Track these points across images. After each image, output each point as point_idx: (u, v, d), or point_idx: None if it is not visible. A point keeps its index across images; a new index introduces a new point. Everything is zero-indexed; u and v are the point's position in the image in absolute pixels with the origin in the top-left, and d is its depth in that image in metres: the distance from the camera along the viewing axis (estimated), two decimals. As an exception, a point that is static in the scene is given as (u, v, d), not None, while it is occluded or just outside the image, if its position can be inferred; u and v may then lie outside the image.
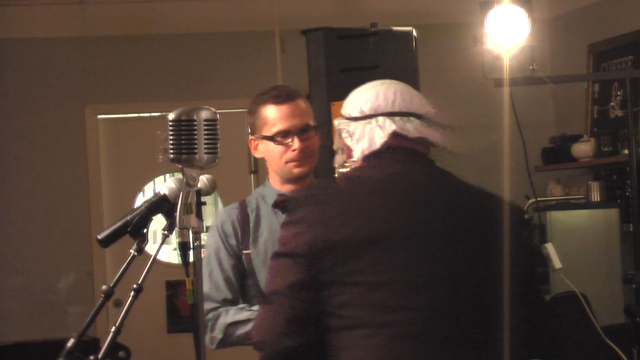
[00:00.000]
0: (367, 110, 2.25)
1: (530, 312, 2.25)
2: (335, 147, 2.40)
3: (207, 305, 2.96)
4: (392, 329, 2.07)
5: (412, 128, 2.23)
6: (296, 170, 2.98)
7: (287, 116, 2.96)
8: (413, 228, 2.12)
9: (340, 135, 2.33)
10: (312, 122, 3.01)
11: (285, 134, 2.97)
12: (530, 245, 2.32)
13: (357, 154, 2.26)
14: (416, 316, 2.08)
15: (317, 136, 3.04)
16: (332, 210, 2.14)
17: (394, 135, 2.22)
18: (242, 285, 3.03)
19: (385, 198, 2.15)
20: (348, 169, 2.31)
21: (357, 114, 2.27)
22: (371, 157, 2.23)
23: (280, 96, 2.97)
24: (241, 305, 2.99)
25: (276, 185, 3.07)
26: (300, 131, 2.97)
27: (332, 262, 2.09)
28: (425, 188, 2.18)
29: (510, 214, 2.22)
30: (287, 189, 3.01)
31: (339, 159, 2.36)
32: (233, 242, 3.05)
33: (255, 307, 2.91)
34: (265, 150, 3.03)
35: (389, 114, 2.24)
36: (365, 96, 2.28)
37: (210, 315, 2.97)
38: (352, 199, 2.16)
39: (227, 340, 2.95)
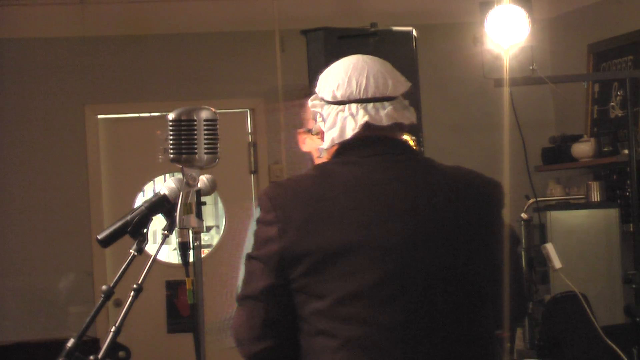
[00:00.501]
0: (339, 96, 2.22)
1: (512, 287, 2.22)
2: (313, 130, 2.39)
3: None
4: (360, 342, 2.06)
5: (384, 115, 2.19)
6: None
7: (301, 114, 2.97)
8: (385, 237, 2.09)
9: (315, 117, 2.31)
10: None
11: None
12: (508, 228, 2.26)
13: (327, 142, 2.23)
14: (386, 331, 2.06)
15: (303, 137, 3.01)
16: (302, 216, 2.11)
17: (366, 126, 2.19)
18: None
19: (355, 202, 2.11)
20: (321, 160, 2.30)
21: (329, 98, 2.23)
22: (342, 149, 2.21)
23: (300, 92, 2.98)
24: None
25: None
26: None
27: (303, 271, 2.09)
28: (397, 188, 2.14)
29: (489, 193, 2.20)
30: None
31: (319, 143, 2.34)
32: None
33: None
34: (311, 144, 3.01)
35: (362, 101, 2.20)
36: (338, 79, 2.23)
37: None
38: (324, 202, 2.12)
39: None
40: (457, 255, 2.12)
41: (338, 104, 2.22)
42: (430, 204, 2.13)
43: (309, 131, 2.96)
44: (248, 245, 2.96)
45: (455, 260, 2.12)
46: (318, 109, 2.27)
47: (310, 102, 2.31)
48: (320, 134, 2.28)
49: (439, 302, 2.09)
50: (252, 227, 2.97)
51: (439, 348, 2.08)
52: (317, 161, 2.91)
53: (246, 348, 2.17)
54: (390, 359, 2.06)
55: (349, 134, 2.19)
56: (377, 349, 2.06)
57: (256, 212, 2.21)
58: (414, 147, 2.48)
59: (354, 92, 2.20)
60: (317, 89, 2.29)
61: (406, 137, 2.47)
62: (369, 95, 2.20)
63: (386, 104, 2.20)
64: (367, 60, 2.25)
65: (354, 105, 2.20)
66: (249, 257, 2.19)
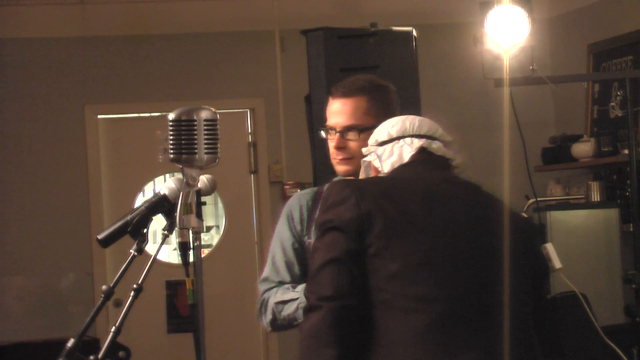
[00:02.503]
0: (394, 133, 2.46)
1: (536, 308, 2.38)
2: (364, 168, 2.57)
3: (263, 287, 2.95)
4: (429, 313, 2.18)
5: (436, 147, 2.44)
6: (337, 168, 2.96)
7: (336, 112, 2.93)
8: (443, 222, 2.27)
9: (366, 164, 2.53)
10: (361, 123, 2.89)
11: (330, 129, 2.94)
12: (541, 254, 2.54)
13: (387, 167, 2.43)
14: (452, 299, 2.21)
15: (362, 139, 2.88)
16: (374, 192, 2.27)
17: (421, 150, 2.42)
18: (304, 272, 2.96)
19: (418, 193, 2.31)
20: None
21: (385, 138, 2.47)
22: (400, 168, 2.42)
23: (337, 91, 2.96)
24: (287, 285, 2.93)
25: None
26: (343, 130, 2.90)
27: (378, 232, 2.20)
28: (453, 192, 2.34)
29: (521, 225, 2.40)
30: None
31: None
32: (298, 227, 2.98)
33: (300, 288, 2.87)
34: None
35: (416, 136, 2.45)
36: (392, 122, 2.49)
37: (264, 295, 2.95)
38: (391, 188, 2.31)
39: (277, 322, 2.92)
40: (492, 248, 2.30)
41: (394, 140, 2.46)
42: (480, 213, 2.34)
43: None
44: (274, 239, 2.98)
45: (492, 251, 2.29)
46: (372, 151, 2.50)
47: (365, 151, 2.53)
48: (373, 172, 2.51)
49: (493, 282, 2.26)
50: (282, 217, 3.00)
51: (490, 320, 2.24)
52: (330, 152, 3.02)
53: (332, 302, 2.18)
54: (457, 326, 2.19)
55: (407, 158, 2.42)
56: (446, 318, 2.19)
57: (323, 203, 2.33)
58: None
59: (408, 130, 2.46)
60: (370, 141, 2.53)
61: None
62: (423, 132, 2.46)
63: (437, 141, 2.46)
64: (418, 117, 2.54)
65: (408, 138, 2.45)
66: (325, 231, 2.26)
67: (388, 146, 2.45)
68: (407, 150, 2.42)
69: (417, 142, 2.42)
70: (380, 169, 2.45)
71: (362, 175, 2.58)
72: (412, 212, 2.25)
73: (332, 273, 2.20)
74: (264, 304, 2.94)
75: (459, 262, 2.23)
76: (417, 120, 2.48)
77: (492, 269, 2.26)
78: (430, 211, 2.27)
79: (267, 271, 2.97)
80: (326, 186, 2.95)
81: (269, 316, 2.93)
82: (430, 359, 2.15)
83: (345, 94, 2.92)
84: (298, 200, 3.04)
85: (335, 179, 2.88)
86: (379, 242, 2.21)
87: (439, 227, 2.25)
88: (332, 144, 2.94)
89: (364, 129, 2.85)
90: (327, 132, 2.96)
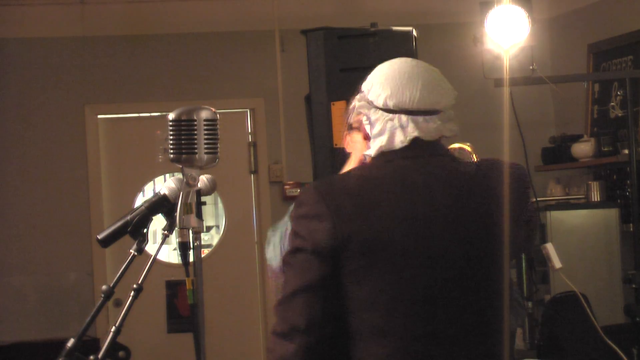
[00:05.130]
0: (391, 105, 2.22)
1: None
2: (349, 122, 2.37)
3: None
4: (406, 330, 2.10)
5: (433, 129, 2.23)
6: None
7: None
8: (427, 235, 2.14)
9: (358, 115, 2.30)
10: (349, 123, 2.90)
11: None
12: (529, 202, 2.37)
13: (374, 149, 2.24)
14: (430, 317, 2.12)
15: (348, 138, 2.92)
16: (351, 206, 2.12)
17: (414, 140, 2.21)
18: None
19: (399, 199, 2.15)
20: (362, 162, 2.31)
21: (380, 105, 2.24)
22: (388, 154, 2.23)
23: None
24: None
25: None
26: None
27: (352, 255, 2.10)
28: (436, 187, 2.18)
29: (511, 179, 2.24)
30: None
31: (358, 139, 2.35)
32: None
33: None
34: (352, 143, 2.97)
35: (413, 113, 2.22)
36: (391, 87, 2.24)
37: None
38: (370, 195, 2.15)
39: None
40: (491, 254, 2.19)
41: (388, 111, 2.23)
42: (466, 204, 2.18)
43: (350, 128, 2.91)
44: (280, 225, 2.95)
45: (490, 259, 2.18)
46: (365, 111, 2.27)
47: (357, 101, 2.30)
48: (363, 133, 2.30)
49: (474, 302, 2.16)
50: (288, 225, 2.97)
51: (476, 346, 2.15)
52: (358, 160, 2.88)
53: (304, 336, 2.10)
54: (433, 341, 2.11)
55: (397, 145, 2.22)
56: (425, 333, 2.11)
57: (296, 208, 2.18)
58: (469, 152, 2.49)
59: (407, 103, 2.22)
60: (365, 89, 2.29)
61: (463, 145, 2.50)
62: (420, 108, 2.22)
63: (435, 117, 2.23)
64: (421, 70, 2.27)
65: (404, 117, 2.22)
66: (297, 250, 2.14)
67: (381, 117, 2.24)
68: (399, 136, 2.21)
69: (412, 130, 2.20)
70: (369, 136, 2.27)
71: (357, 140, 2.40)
72: (390, 234, 2.11)
73: (305, 302, 2.10)
74: (268, 243, 2.92)
75: (437, 292, 2.12)
76: (417, 89, 2.22)
77: (473, 281, 2.15)
78: (410, 233, 2.12)
79: (269, 253, 2.94)
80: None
81: (268, 247, 2.92)
82: None
83: None
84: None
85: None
86: (353, 267, 2.10)
87: (419, 252, 2.12)
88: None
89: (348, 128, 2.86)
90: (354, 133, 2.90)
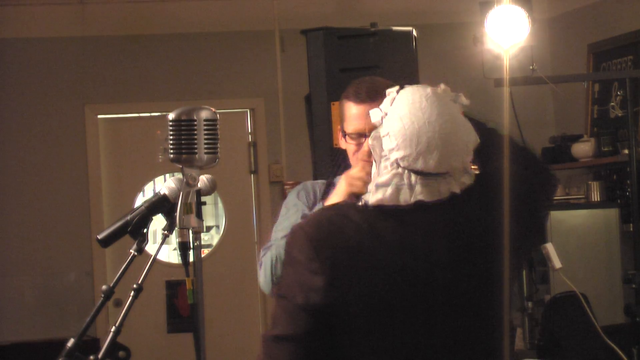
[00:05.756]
0: (402, 165, 2.10)
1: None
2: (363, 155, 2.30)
3: (263, 252, 2.92)
4: None
5: (443, 189, 2.11)
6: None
7: (362, 116, 2.76)
8: (429, 299, 2.07)
9: (373, 145, 2.18)
10: None
11: (358, 134, 2.80)
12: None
13: (375, 198, 2.11)
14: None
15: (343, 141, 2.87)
16: (347, 268, 2.03)
17: (418, 203, 2.09)
18: None
19: (400, 261, 2.06)
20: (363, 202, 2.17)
21: (392, 146, 2.11)
22: (389, 208, 2.11)
23: (360, 94, 2.80)
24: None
25: None
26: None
27: (346, 323, 2.04)
28: (438, 247, 2.08)
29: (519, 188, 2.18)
30: None
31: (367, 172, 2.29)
32: (306, 202, 2.94)
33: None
34: (344, 144, 2.89)
35: (424, 174, 2.10)
36: (405, 148, 2.10)
37: (262, 252, 2.92)
38: (369, 255, 2.05)
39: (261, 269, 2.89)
40: (494, 302, 2.12)
41: (398, 164, 2.11)
42: (466, 256, 2.10)
43: (339, 127, 2.90)
44: (281, 213, 2.93)
45: (493, 309, 2.12)
46: (376, 155, 2.16)
47: (371, 139, 2.18)
48: (373, 163, 2.19)
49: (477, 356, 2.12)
50: (292, 192, 2.95)
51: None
52: (351, 159, 2.83)
53: None
54: None
55: (402, 202, 2.09)
56: None
57: (289, 249, 2.10)
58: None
59: (419, 167, 2.09)
60: (382, 131, 2.16)
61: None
62: (431, 170, 2.09)
63: (447, 176, 2.11)
64: (441, 121, 2.14)
65: (413, 177, 2.10)
66: (286, 298, 2.07)
67: (389, 166, 2.11)
68: (404, 196, 2.09)
69: (419, 193, 2.08)
70: (374, 160, 2.18)
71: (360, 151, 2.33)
72: (389, 296, 2.03)
73: (289, 350, 2.06)
74: (260, 263, 2.94)
75: (439, 353, 2.06)
76: (432, 159, 2.09)
77: (480, 347, 2.10)
78: (408, 296, 2.04)
79: (273, 236, 2.94)
80: (336, 179, 2.94)
81: (260, 271, 2.93)
82: None
83: (371, 98, 2.75)
84: (312, 184, 3.03)
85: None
86: (347, 327, 2.03)
87: (418, 315, 2.04)
88: (354, 150, 2.82)
89: None
90: (347, 137, 2.84)
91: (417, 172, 2.09)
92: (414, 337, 2.05)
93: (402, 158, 2.09)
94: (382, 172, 2.12)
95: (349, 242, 2.05)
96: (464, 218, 2.12)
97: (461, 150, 2.13)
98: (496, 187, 2.16)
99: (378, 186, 2.11)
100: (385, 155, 2.13)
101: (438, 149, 2.09)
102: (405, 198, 2.09)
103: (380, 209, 2.09)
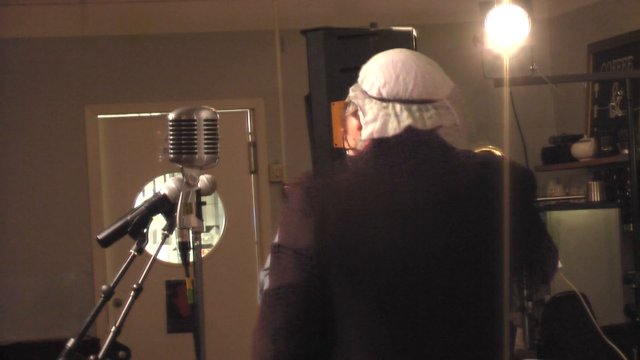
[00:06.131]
0: (384, 94, 2.16)
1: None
2: (347, 113, 2.31)
3: (262, 274, 2.96)
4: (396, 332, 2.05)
5: (427, 118, 2.16)
6: None
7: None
8: (421, 250, 2.07)
9: (351, 107, 2.24)
10: None
11: None
12: (535, 207, 2.29)
13: (365, 134, 2.16)
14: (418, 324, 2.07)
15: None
16: (339, 214, 2.06)
17: (407, 128, 2.13)
18: None
19: (390, 211, 2.08)
20: (355, 153, 2.22)
21: (374, 94, 2.18)
22: (380, 145, 2.15)
23: None
24: None
25: None
26: None
27: (339, 268, 2.04)
28: (430, 200, 2.10)
29: (517, 182, 2.17)
30: None
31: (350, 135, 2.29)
32: None
33: None
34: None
35: (407, 102, 2.15)
36: (385, 76, 2.18)
37: (262, 279, 2.96)
38: (360, 203, 2.08)
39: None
40: (487, 265, 2.12)
41: (382, 100, 2.17)
42: (462, 215, 2.11)
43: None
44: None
45: (486, 270, 2.11)
46: (359, 101, 2.21)
47: (351, 91, 2.25)
48: (357, 124, 2.23)
49: (470, 315, 2.10)
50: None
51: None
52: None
53: (280, 342, 2.05)
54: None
55: (390, 132, 2.14)
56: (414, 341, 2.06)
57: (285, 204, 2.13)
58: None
59: (400, 92, 2.16)
60: (360, 79, 2.24)
61: (492, 149, 2.44)
62: (415, 97, 2.15)
63: (430, 106, 2.16)
64: (416, 59, 2.22)
65: (398, 105, 2.15)
66: (281, 247, 2.08)
67: (375, 106, 2.16)
68: (392, 124, 2.14)
69: (406, 118, 2.13)
70: (360, 123, 2.20)
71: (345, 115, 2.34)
72: (379, 241, 2.04)
73: (287, 302, 2.05)
74: (260, 287, 2.96)
75: (423, 303, 2.05)
76: (411, 77, 2.17)
77: (465, 307, 2.08)
78: (399, 240, 2.05)
79: (268, 261, 2.97)
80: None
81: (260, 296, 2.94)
82: None
83: None
84: None
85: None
86: (337, 273, 2.03)
87: (407, 262, 2.05)
88: None
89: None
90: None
91: (400, 101, 2.15)
92: (409, 279, 2.05)
93: (383, 85, 2.16)
94: (368, 112, 2.17)
95: (341, 190, 2.09)
96: (458, 171, 2.15)
97: (440, 83, 2.20)
98: (493, 177, 2.17)
99: (366, 124, 2.16)
100: (367, 94, 2.19)
101: (417, 76, 2.17)
102: (394, 126, 2.14)
103: (372, 155, 2.13)
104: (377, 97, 2.17)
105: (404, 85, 2.16)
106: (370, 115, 2.17)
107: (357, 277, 2.04)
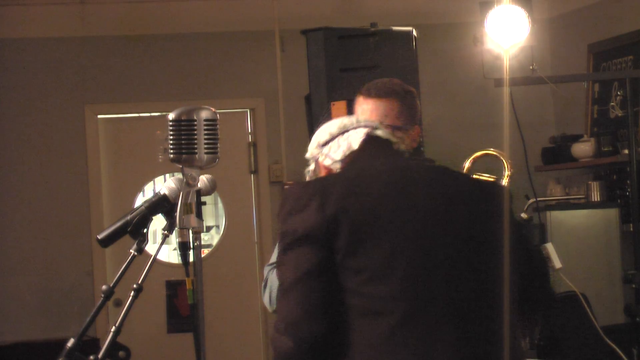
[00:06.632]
0: (335, 130, 2.37)
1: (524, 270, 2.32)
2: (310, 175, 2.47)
3: (267, 269, 2.98)
4: (398, 315, 2.11)
5: (381, 132, 2.37)
6: None
7: (371, 111, 2.93)
8: (412, 213, 2.18)
9: (313, 167, 2.42)
10: (394, 124, 2.92)
11: None
12: (516, 219, 2.39)
13: (339, 155, 2.34)
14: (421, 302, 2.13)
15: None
16: (341, 189, 2.17)
17: (369, 135, 2.34)
18: None
19: (389, 185, 2.22)
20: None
21: (327, 138, 2.38)
22: (354, 155, 2.32)
23: (370, 91, 2.95)
24: None
25: None
26: None
27: (347, 236, 2.12)
28: (416, 177, 2.26)
29: (495, 194, 2.31)
30: None
31: None
32: None
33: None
34: None
35: (357, 127, 2.37)
36: (330, 124, 2.41)
37: (266, 275, 2.96)
38: (360, 180, 2.22)
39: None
40: (476, 242, 2.22)
41: (337, 136, 2.38)
42: (445, 195, 2.24)
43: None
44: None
45: (476, 245, 2.22)
46: (317, 153, 2.41)
47: (308, 155, 2.44)
48: (322, 169, 2.40)
49: (472, 281, 2.18)
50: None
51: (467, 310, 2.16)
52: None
53: (302, 330, 2.10)
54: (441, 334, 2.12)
55: (356, 144, 2.33)
56: (415, 320, 2.11)
57: (282, 207, 2.21)
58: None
59: (347, 125, 2.39)
60: (311, 147, 2.43)
61: (493, 152, 2.58)
62: (362, 123, 2.39)
63: (378, 125, 2.41)
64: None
65: (351, 130, 2.37)
66: (290, 244, 2.15)
67: (333, 142, 2.37)
68: (354, 137, 2.34)
69: (363, 130, 2.35)
70: (330, 166, 2.37)
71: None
72: (379, 208, 2.16)
73: (301, 296, 2.11)
74: (264, 282, 2.96)
75: (426, 258, 2.15)
76: (353, 117, 2.44)
77: (464, 260, 2.18)
78: (398, 205, 2.18)
79: (273, 256, 2.98)
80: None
81: (265, 291, 2.95)
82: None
83: (379, 95, 2.93)
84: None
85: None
86: (346, 245, 2.12)
87: (407, 223, 2.16)
88: None
89: (397, 130, 2.89)
90: None
91: (353, 128, 2.38)
92: (410, 244, 2.15)
93: (332, 126, 2.40)
94: (332, 147, 2.37)
95: (339, 174, 2.29)
96: (443, 176, 2.31)
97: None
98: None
99: (334, 152, 2.36)
100: (324, 143, 2.40)
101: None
102: (356, 138, 2.34)
103: (358, 165, 2.30)
104: (331, 138, 2.39)
105: (349, 120, 2.41)
106: (333, 148, 2.36)
107: (363, 242, 2.12)
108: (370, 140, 2.34)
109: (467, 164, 2.66)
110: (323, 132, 2.41)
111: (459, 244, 2.18)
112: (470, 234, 2.21)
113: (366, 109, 2.93)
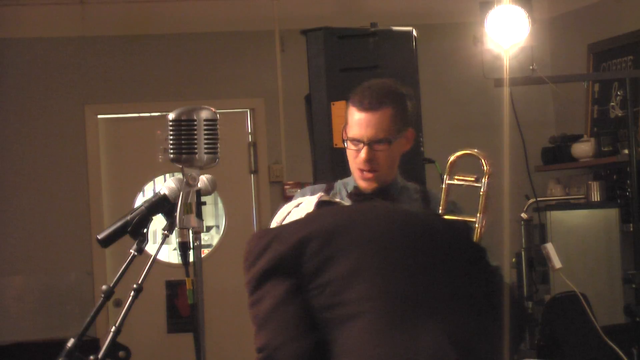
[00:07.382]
0: (292, 207, 2.53)
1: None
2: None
3: None
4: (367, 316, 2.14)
5: (330, 198, 2.54)
6: (360, 183, 2.92)
7: (363, 125, 2.85)
8: (369, 231, 2.25)
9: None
10: (389, 134, 2.86)
11: (357, 141, 2.87)
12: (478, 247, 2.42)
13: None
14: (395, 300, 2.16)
15: (393, 148, 2.89)
16: (295, 225, 2.29)
17: (321, 200, 2.48)
18: None
19: (336, 211, 2.37)
20: None
21: (284, 214, 2.53)
22: (309, 214, 2.44)
23: (363, 102, 2.85)
24: None
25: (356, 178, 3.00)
26: (371, 142, 2.85)
27: (311, 258, 2.18)
28: (373, 206, 2.45)
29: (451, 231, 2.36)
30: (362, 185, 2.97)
31: None
32: None
33: None
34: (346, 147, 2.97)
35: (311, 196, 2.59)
36: (287, 205, 2.59)
37: None
38: (308, 217, 2.35)
39: None
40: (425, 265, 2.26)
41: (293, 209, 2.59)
42: (406, 229, 2.30)
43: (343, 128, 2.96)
44: None
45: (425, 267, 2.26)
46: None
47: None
48: None
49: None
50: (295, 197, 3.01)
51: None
52: (350, 163, 2.96)
53: (289, 350, 2.14)
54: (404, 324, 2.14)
55: (310, 208, 2.51)
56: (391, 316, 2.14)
57: (244, 262, 2.35)
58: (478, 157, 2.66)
59: (300, 200, 2.57)
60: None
61: (470, 151, 2.63)
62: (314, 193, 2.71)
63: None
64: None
65: (304, 202, 2.54)
66: (259, 281, 2.24)
67: (289, 215, 2.53)
68: (308, 203, 2.48)
69: (314, 198, 2.52)
70: None
71: None
72: (337, 229, 2.22)
73: (282, 321, 2.17)
74: None
75: (389, 262, 2.19)
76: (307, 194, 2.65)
77: (425, 263, 2.22)
78: (355, 223, 2.24)
79: None
80: (336, 183, 3.03)
81: None
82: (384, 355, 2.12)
83: (372, 108, 2.84)
84: (313, 189, 3.06)
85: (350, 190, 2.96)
86: (311, 268, 2.17)
87: (365, 239, 2.21)
88: (353, 156, 2.89)
89: (392, 140, 2.86)
90: (348, 143, 2.89)
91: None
92: (363, 254, 2.20)
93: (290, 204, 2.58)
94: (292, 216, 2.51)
95: (298, 221, 2.36)
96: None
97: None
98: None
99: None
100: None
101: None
102: (310, 203, 2.47)
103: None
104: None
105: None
106: (293, 217, 2.49)
107: (327, 262, 2.18)
108: (323, 204, 2.46)
109: (447, 168, 2.65)
110: (281, 211, 2.55)
111: (419, 256, 2.22)
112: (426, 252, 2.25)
113: (357, 120, 2.85)
